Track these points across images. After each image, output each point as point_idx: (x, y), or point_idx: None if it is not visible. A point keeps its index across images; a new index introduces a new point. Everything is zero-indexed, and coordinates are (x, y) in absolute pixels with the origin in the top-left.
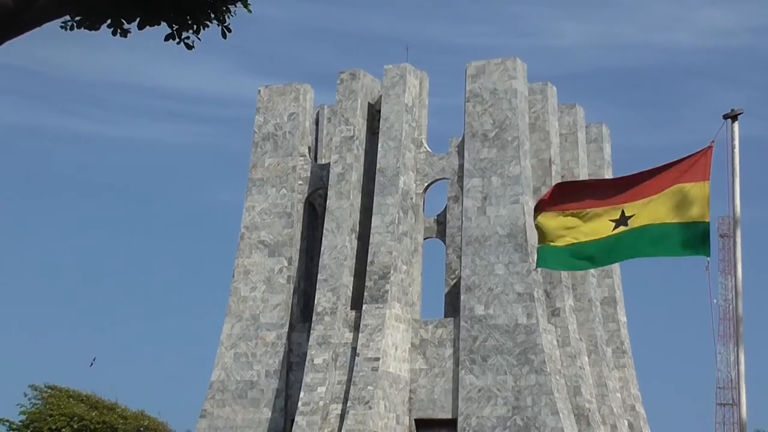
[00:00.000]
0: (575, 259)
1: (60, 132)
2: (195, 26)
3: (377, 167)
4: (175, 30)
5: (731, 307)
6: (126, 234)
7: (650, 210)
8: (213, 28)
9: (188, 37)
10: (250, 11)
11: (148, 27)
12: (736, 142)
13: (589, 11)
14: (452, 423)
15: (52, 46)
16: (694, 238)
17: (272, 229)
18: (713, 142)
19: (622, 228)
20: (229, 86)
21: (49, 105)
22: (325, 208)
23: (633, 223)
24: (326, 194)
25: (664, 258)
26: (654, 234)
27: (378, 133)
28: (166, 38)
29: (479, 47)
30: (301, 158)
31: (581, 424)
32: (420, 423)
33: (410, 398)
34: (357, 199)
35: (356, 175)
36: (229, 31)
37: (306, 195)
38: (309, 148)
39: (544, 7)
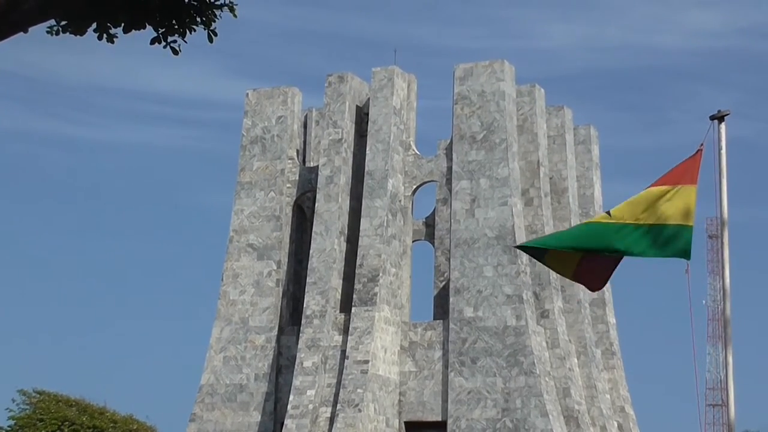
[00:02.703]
0: (558, 239)
1: (48, 136)
2: (181, 30)
3: (365, 170)
4: (161, 34)
5: (720, 307)
6: (114, 237)
7: (635, 207)
8: (199, 32)
9: (174, 41)
10: (235, 16)
11: (133, 31)
12: (723, 143)
13: (577, 13)
14: (442, 425)
15: (39, 50)
16: (677, 241)
17: (261, 233)
18: (702, 145)
19: (605, 216)
20: (217, 89)
21: (37, 109)
22: (313, 211)
23: (615, 214)
24: (315, 197)
25: (648, 259)
26: (638, 234)
27: (366, 135)
28: (152, 42)
29: (467, 50)
30: (290, 161)
31: (571, 425)
32: (409, 425)
33: (400, 401)
34: (345, 202)
35: (344, 178)
36: (215, 35)
37: (294, 198)
38: (297, 151)
39: (531, 10)
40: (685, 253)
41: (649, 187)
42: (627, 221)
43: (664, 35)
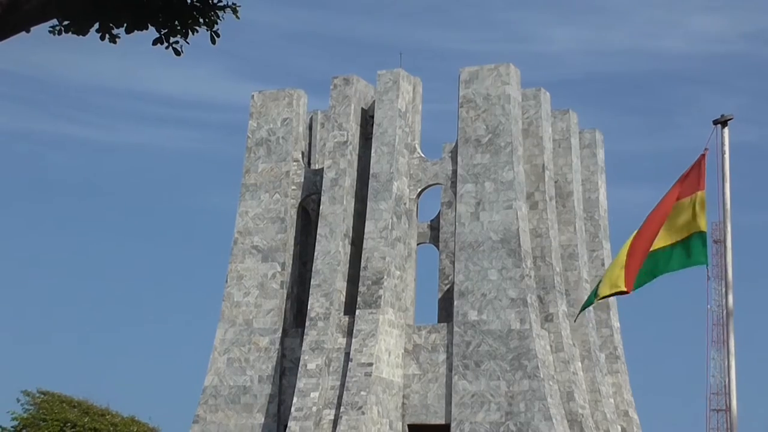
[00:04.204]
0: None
1: (52, 136)
2: (183, 31)
3: (371, 172)
4: (163, 35)
5: (724, 312)
6: (119, 239)
7: (658, 237)
8: (203, 33)
9: (177, 42)
10: (238, 17)
11: (136, 31)
12: (726, 148)
13: (582, 17)
14: (445, 428)
15: (43, 50)
16: (691, 249)
17: (265, 235)
18: (707, 149)
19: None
20: (222, 91)
21: (41, 109)
22: (318, 214)
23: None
24: (319, 199)
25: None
26: (658, 258)
27: (371, 138)
28: (154, 43)
29: (472, 53)
30: (295, 163)
31: (574, 429)
32: (413, 428)
33: (403, 404)
34: (350, 205)
35: (349, 181)
36: (218, 36)
37: (299, 200)
38: (302, 153)
39: (536, 13)
40: (703, 259)
41: (665, 197)
42: (652, 249)
43: (668, 39)
